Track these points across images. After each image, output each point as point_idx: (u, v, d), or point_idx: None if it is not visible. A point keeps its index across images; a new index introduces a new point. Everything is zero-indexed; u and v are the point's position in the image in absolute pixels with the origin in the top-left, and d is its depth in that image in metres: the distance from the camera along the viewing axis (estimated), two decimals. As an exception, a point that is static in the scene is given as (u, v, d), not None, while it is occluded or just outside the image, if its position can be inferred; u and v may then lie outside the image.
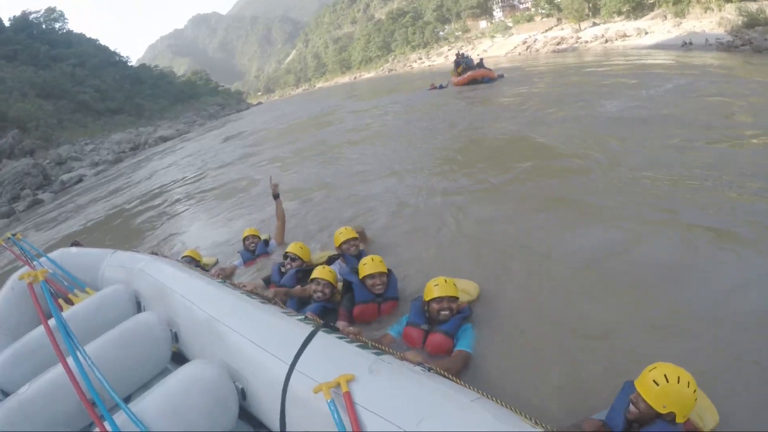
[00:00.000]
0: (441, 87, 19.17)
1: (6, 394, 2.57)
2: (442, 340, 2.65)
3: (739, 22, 20.26)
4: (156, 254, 4.01)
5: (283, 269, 3.89)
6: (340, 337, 2.11)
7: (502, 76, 18.16)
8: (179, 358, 2.78)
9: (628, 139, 6.59)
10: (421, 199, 5.78)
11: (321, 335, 2.11)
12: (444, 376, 1.82)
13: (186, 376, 2.12)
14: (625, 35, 27.31)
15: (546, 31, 36.99)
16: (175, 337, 2.75)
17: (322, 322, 2.27)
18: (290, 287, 3.52)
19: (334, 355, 1.99)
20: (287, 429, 1.98)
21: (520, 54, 33.41)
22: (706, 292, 2.85)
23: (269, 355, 2.09)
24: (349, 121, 15.59)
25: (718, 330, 2.49)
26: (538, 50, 32.34)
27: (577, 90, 12.66)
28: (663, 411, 1.78)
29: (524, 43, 36.00)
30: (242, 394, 2.19)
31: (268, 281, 3.87)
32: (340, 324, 2.87)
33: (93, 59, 62.34)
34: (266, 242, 4.89)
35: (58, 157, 28.99)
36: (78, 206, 14.19)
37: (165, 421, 1.90)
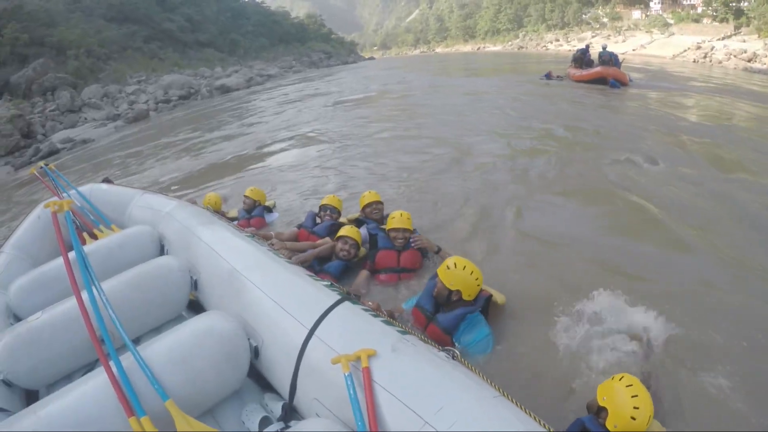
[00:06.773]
0: (547, 77, 16.05)
1: (18, 319, 2.57)
2: (439, 334, 2.67)
3: None
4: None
5: (318, 219, 4.03)
6: (366, 310, 2.00)
7: (631, 80, 14.84)
8: (196, 307, 2.74)
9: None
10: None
11: (346, 305, 2.00)
12: (467, 367, 1.73)
13: (201, 325, 2.05)
14: None
15: (723, 38, 29.37)
16: (195, 285, 2.68)
17: (348, 292, 2.16)
18: (320, 236, 3.75)
19: (357, 327, 1.88)
20: (297, 395, 1.90)
21: (695, 61, 25.95)
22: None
23: (289, 317, 2.00)
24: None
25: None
26: (720, 62, 24.43)
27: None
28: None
29: (698, 47, 28.40)
30: (255, 352, 2.11)
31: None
32: (360, 286, 3.23)
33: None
34: (268, 209, 4.76)
35: (69, 102, 20.49)
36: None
37: (171, 368, 1.83)
